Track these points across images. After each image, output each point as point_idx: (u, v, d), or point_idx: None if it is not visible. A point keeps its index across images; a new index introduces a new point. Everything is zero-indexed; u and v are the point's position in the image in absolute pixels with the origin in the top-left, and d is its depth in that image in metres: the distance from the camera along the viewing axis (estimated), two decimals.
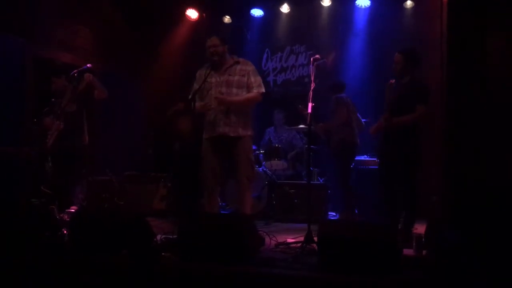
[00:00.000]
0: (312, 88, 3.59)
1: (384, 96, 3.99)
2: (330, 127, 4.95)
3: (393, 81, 3.91)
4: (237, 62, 3.68)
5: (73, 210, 3.93)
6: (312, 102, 3.55)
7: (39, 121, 4.41)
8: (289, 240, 3.53)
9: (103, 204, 4.95)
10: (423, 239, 3.10)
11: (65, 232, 3.26)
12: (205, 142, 3.70)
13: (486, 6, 3.63)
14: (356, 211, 4.91)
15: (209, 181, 3.66)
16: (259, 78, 3.69)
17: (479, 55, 3.67)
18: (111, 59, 6.05)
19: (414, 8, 5.92)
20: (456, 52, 3.91)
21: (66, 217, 3.79)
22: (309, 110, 3.54)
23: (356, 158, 5.20)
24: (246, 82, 3.63)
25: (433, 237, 2.98)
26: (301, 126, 5.39)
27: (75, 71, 4.31)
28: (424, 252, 3.05)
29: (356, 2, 6.09)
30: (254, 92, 3.62)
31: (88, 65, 4.33)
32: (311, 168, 4.71)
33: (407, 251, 2.99)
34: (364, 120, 5.10)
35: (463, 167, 3.50)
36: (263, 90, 3.67)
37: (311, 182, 4.61)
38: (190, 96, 3.58)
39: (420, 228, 3.61)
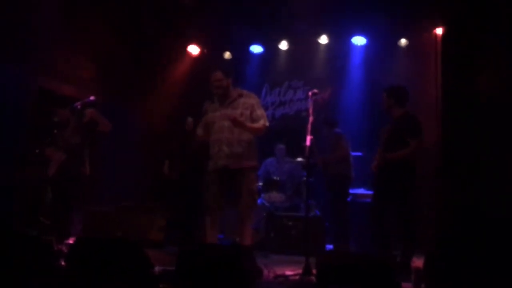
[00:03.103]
0: (310, 121, 3.67)
1: (378, 133, 4.06)
2: (329, 161, 5.05)
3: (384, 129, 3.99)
4: (241, 95, 3.74)
5: (71, 242, 3.91)
6: (311, 135, 3.62)
7: (40, 151, 4.45)
8: (287, 273, 3.51)
9: (101, 235, 4.91)
10: (422, 272, 3.10)
11: (63, 263, 3.24)
12: (209, 173, 3.73)
13: (479, 43, 3.78)
14: (351, 244, 4.93)
15: (212, 211, 3.68)
16: (263, 112, 3.76)
17: (473, 89, 3.79)
18: (112, 91, 6.16)
19: (408, 46, 6.12)
20: (451, 86, 4.05)
21: (64, 248, 3.77)
22: (308, 143, 3.61)
23: (353, 192, 5.28)
24: (250, 115, 3.66)
25: (431, 271, 2.97)
26: (299, 159, 5.47)
27: (78, 103, 4.37)
28: (423, 285, 3.04)
29: (352, 40, 6.30)
30: (261, 123, 3.66)
31: (91, 97, 4.38)
32: (309, 201, 4.76)
33: (406, 285, 2.98)
34: (359, 154, 5.19)
35: (460, 199, 3.54)
36: (267, 124, 3.72)
37: (309, 214, 4.64)
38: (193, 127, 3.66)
39: (418, 262, 3.60)
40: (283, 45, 6.69)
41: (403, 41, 6.12)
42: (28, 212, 4.59)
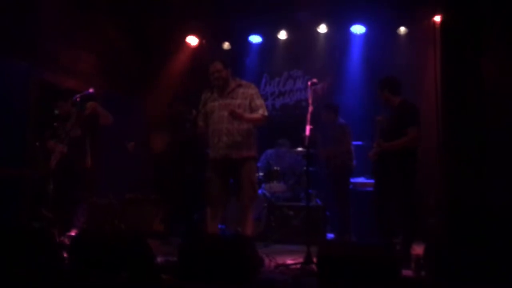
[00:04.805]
0: (310, 111, 3.68)
1: (374, 126, 4.07)
2: (332, 154, 5.10)
3: (380, 117, 4.00)
4: (240, 85, 3.74)
5: (73, 234, 3.93)
6: (311, 124, 3.62)
7: (42, 144, 4.46)
8: (289, 262, 3.54)
9: (103, 227, 4.95)
10: (422, 260, 3.12)
11: (65, 255, 3.27)
12: (211, 163, 3.74)
13: (478, 31, 3.77)
14: (352, 233, 4.97)
15: (214, 201, 3.70)
16: (262, 102, 3.76)
17: (472, 77, 3.79)
18: (113, 83, 6.16)
19: (407, 34, 6.10)
20: (450, 74, 4.04)
21: (66, 240, 3.80)
22: (307, 133, 3.62)
23: (353, 181, 5.32)
24: (249, 105, 3.67)
25: (432, 258, 3.00)
26: (299, 149, 5.48)
27: (77, 95, 4.36)
28: (423, 273, 3.07)
29: (352, 29, 6.27)
30: (260, 113, 3.66)
31: (90, 90, 4.37)
32: (309, 191, 4.79)
33: (406, 272, 3.01)
34: (360, 143, 5.22)
35: (460, 188, 3.55)
36: (267, 113, 3.73)
37: (310, 204, 4.67)
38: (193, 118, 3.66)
39: (418, 249, 3.63)
40: (282, 35, 6.65)
41: (402, 29, 6.10)
42: (30, 205, 4.61)
